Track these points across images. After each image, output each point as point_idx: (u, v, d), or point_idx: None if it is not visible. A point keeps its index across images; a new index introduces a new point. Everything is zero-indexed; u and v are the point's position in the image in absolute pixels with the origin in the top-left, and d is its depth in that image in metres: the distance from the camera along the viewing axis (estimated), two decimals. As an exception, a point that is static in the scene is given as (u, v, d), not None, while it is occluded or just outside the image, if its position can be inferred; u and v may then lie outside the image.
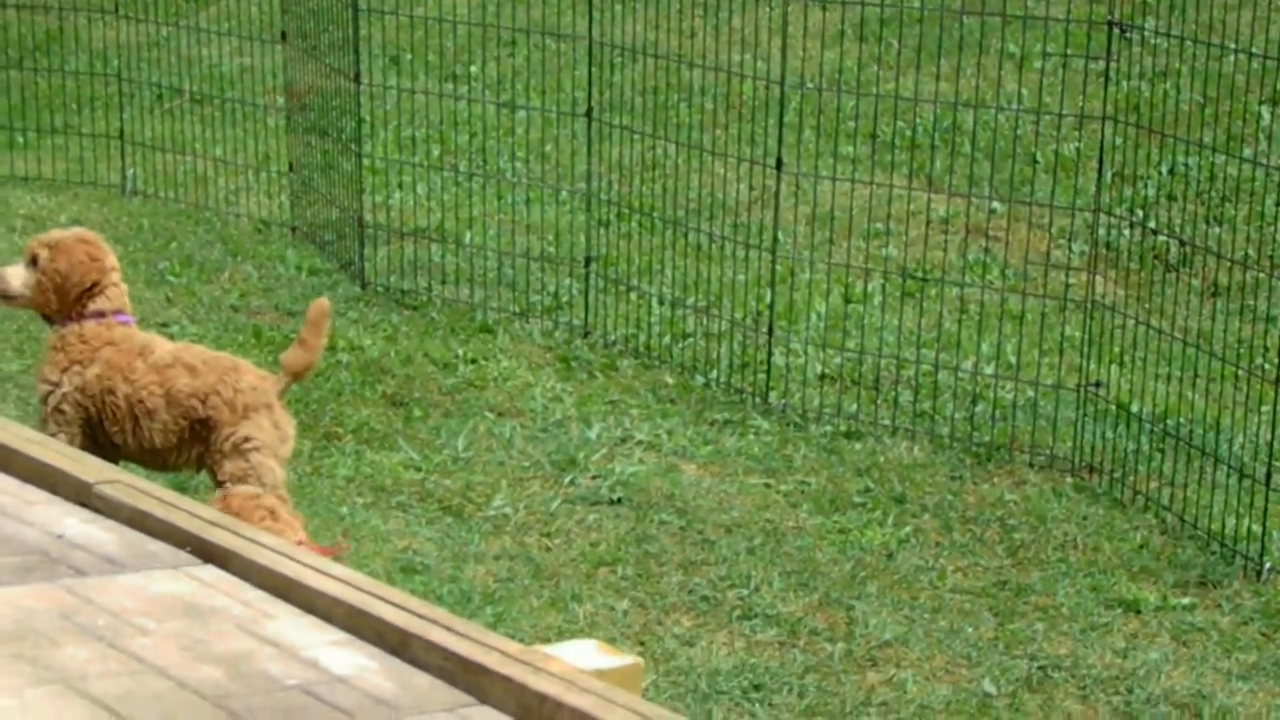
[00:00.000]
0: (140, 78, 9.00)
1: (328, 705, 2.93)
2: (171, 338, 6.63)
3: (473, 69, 9.61)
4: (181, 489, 5.21)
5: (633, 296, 7.09)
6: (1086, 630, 5.09)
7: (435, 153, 8.67)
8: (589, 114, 7.08)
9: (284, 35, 8.17)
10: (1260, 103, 8.53)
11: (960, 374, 6.47)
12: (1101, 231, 7.52)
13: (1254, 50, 6.30)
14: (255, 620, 3.24)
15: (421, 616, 3.21)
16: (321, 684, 3.01)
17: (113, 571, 3.37)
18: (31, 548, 3.47)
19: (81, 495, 3.69)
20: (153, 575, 3.37)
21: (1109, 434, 6.06)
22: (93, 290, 4.89)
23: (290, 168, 8.22)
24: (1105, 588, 5.30)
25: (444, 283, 7.33)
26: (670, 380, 6.57)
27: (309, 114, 8.09)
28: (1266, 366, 6.39)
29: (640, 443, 6.04)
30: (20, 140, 9.14)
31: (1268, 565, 5.37)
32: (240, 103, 8.89)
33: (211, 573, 3.40)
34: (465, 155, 8.58)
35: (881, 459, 6.03)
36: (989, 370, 6.54)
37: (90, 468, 3.80)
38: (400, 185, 8.32)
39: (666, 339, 6.86)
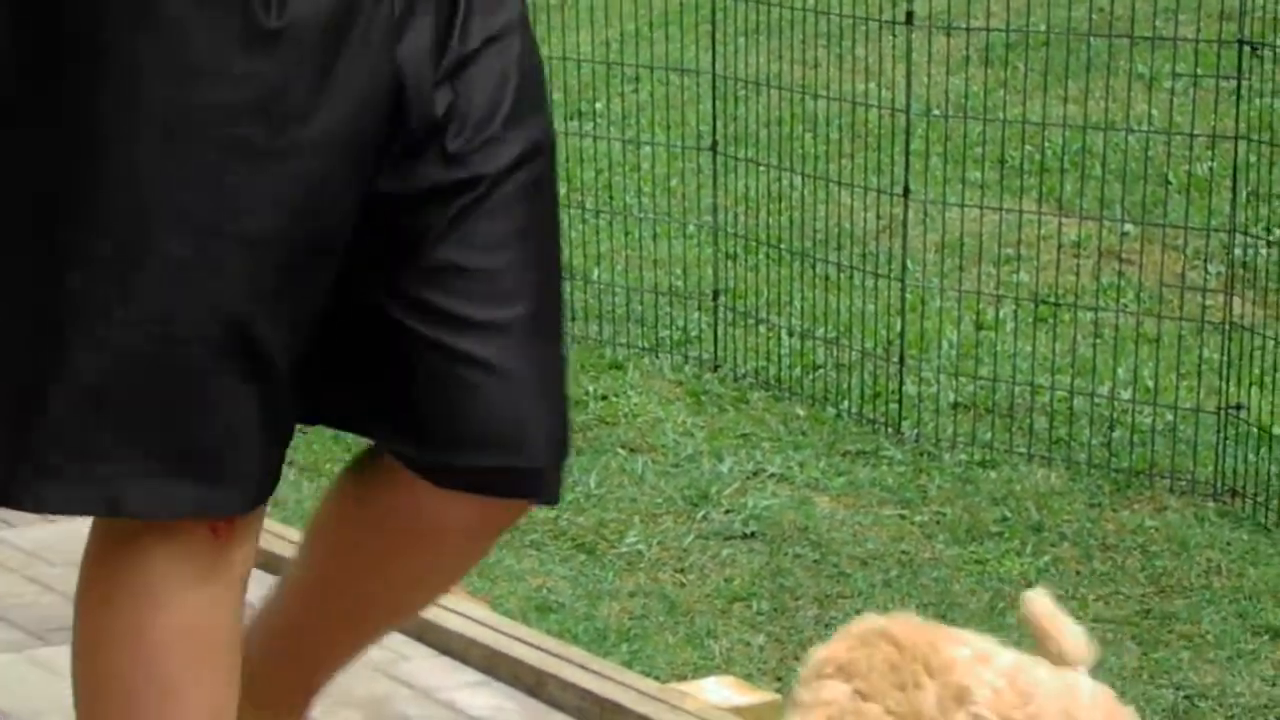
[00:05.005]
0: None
1: (465, 747, 2.94)
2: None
3: (597, 106, 9.65)
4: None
5: (762, 329, 7.07)
6: (1233, 658, 4.99)
7: (562, 190, 8.69)
8: (714, 147, 7.08)
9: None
10: (1398, 116, 8.37)
11: (1096, 399, 6.38)
12: (1238, 251, 7.40)
13: (1390, 63, 6.19)
14: (392, 662, 3.25)
15: (557, 656, 3.22)
16: (459, 726, 3.01)
17: (250, 618, 3.40)
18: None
19: (219, 540, 3.72)
20: (290, 619, 3.39)
21: (1251, 457, 5.95)
22: None
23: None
24: (1252, 614, 5.20)
25: (573, 320, 7.35)
26: (801, 412, 6.54)
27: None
28: None
29: (773, 476, 6.01)
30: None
31: None
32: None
33: (348, 616, 3.42)
34: (591, 192, 8.61)
35: (1018, 487, 5.96)
36: (1126, 395, 6.45)
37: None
38: (528, 224, 8.35)
39: (797, 371, 6.83)
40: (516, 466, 2.18)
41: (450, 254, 2.12)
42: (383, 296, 2.14)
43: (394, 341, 2.14)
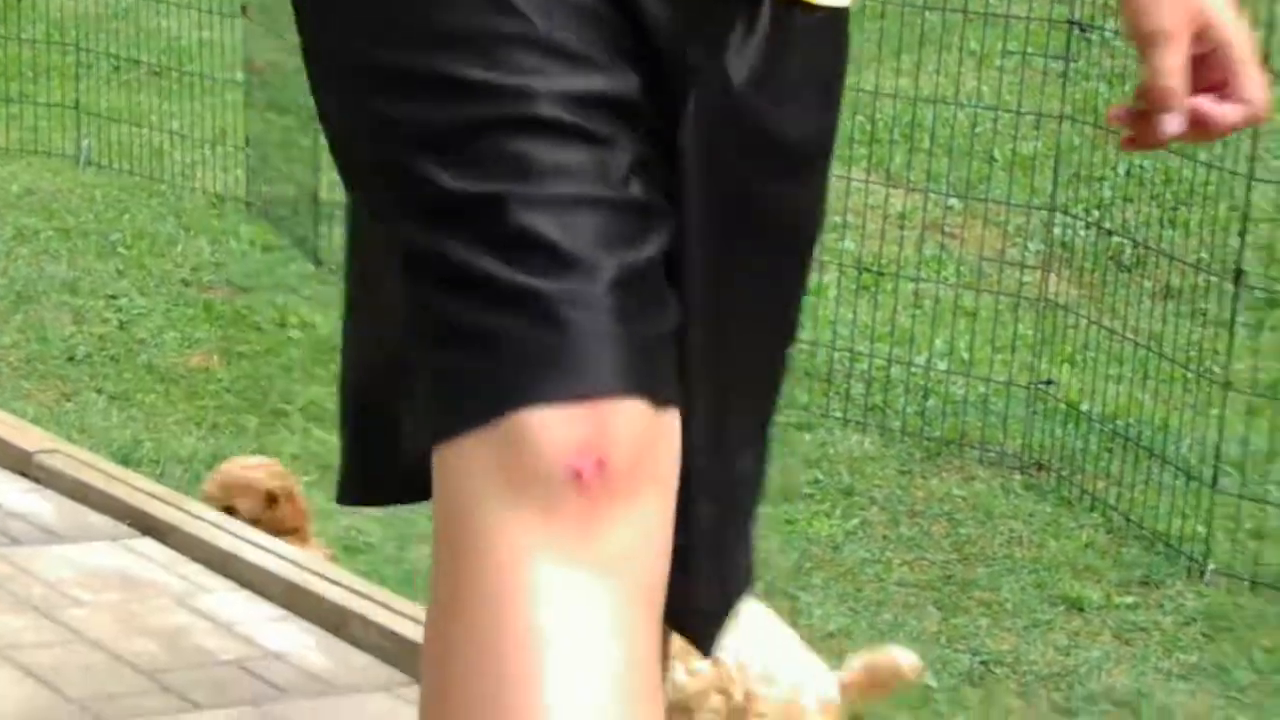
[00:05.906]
0: (99, 48, 8.94)
1: (263, 681, 2.91)
2: (121, 310, 6.58)
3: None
4: (125, 462, 5.18)
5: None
6: (1029, 627, 5.10)
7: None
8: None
9: (244, 9, 8.12)
10: (1219, 107, 8.54)
11: (913, 368, 6.47)
12: (1057, 231, 7.54)
13: (1213, 54, 6.31)
14: (192, 594, 3.22)
15: (362, 595, 3.20)
16: (257, 659, 2.99)
17: (50, 542, 3.34)
18: (-32, 516, 3.44)
19: (21, 464, 3.66)
20: (90, 547, 3.34)
21: (1059, 432, 6.07)
22: None
23: (247, 142, 8.17)
24: (1049, 585, 5.31)
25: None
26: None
27: (268, 89, 8.04)
28: (1216, 370, 6.41)
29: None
30: (-25, 107, 9.06)
31: (1210, 567, 5.39)
32: (199, 76, 8.83)
33: (149, 546, 3.38)
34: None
35: (831, 451, 6.03)
36: (942, 365, 6.55)
37: (31, 437, 3.77)
38: (357, 164, 8.27)
39: (620, 325, 6.84)
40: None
41: None
42: None
43: None
